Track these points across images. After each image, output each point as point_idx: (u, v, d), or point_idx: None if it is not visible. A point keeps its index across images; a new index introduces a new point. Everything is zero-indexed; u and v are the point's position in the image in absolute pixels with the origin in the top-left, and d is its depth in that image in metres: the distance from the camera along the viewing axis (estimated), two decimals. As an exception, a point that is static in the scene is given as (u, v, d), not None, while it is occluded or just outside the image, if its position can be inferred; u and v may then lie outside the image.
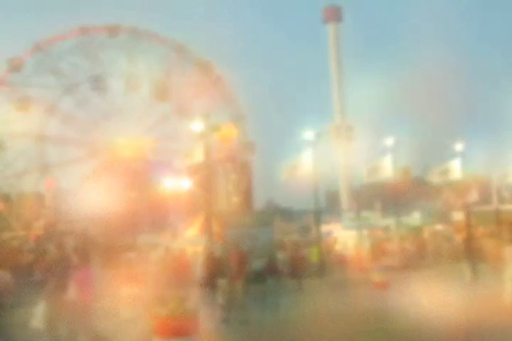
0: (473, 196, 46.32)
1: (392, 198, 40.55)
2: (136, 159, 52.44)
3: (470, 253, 27.73)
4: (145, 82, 51.45)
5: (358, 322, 13.87)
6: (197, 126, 33.34)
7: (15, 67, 48.01)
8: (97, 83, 50.76)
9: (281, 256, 29.81)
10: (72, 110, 51.18)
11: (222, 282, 15.81)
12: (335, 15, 76.70)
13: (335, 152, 73.32)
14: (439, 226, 38.11)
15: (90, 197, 44.73)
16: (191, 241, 31.21)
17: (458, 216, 36.50)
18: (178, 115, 51.51)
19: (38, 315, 11.22)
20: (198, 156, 30.87)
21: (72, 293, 10.90)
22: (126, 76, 50.76)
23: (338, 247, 37.72)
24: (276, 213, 47.50)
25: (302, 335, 12.81)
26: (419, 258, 32.24)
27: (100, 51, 50.40)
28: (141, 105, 52.38)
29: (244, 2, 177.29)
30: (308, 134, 32.66)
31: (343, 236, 40.25)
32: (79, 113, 51.32)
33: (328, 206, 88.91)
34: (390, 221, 40.17)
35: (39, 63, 48.82)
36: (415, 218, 40.10)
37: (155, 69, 51.11)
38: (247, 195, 55.31)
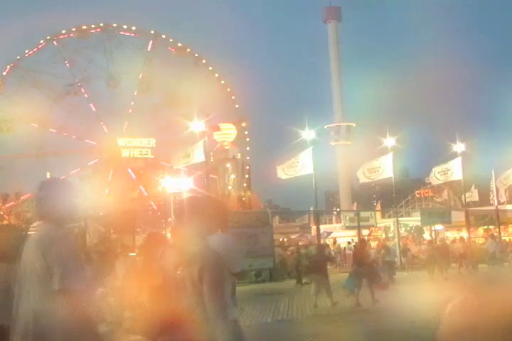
0: (473, 196, 46.36)
1: (391, 198, 40.52)
2: (136, 159, 52.43)
3: (471, 254, 27.73)
4: (126, 77, 51.51)
5: (356, 321, 13.84)
6: (197, 126, 33.39)
7: None
8: (75, 87, 51.00)
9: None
10: (65, 118, 51.30)
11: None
12: (335, 14, 76.82)
13: (334, 152, 73.42)
14: (438, 227, 38.09)
15: (90, 197, 44.70)
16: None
17: (458, 216, 36.48)
18: (170, 107, 51.37)
19: None
20: (198, 156, 30.89)
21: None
22: (107, 74, 50.84)
23: (337, 247, 37.70)
24: (276, 213, 47.43)
25: (302, 335, 12.79)
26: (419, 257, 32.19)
27: (77, 55, 50.55)
28: (134, 103, 52.51)
29: (245, 2, 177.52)
30: (308, 134, 32.66)
31: (343, 236, 40.25)
32: (72, 119, 51.42)
33: (327, 206, 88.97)
34: (389, 221, 40.14)
35: (20, 79, 48.93)
36: (415, 218, 40.04)
37: (134, 62, 51.09)
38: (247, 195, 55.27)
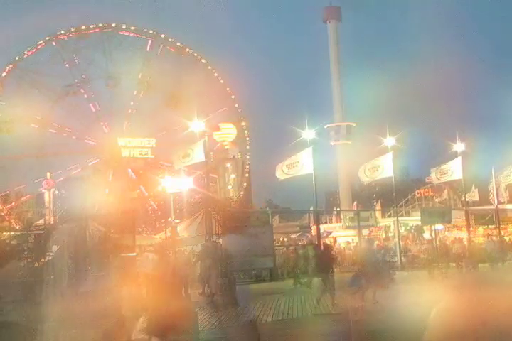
0: (474, 196, 46.34)
1: (392, 198, 40.49)
2: (136, 159, 52.41)
3: (471, 253, 27.69)
4: (126, 77, 51.48)
5: (356, 321, 13.81)
6: (197, 126, 33.31)
7: None
8: (75, 88, 50.98)
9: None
10: (65, 118, 51.26)
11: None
12: (335, 14, 76.73)
13: (334, 151, 73.39)
14: (439, 226, 38.05)
15: (90, 196, 44.65)
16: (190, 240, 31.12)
17: (458, 215, 36.46)
18: (170, 107, 51.30)
19: None
20: (198, 156, 30.82)
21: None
22: (107, 74, 50.77)
23: (337, 247, 37.69)
24: (276, 213, 47.39)
25: (302, 335, 12.78)
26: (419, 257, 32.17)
27: (76, 55, 50.51)
28: (134, 103, 52.49)
29: (245, 1, 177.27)
30: (308, 133, 32.61)
31: (343, 236, 40.24)
32: (72, 119, 51.38)
33: (327, 206, 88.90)
34: (389, 220, 40.11)
35: (19, 79, 48.85)
36: (415, 217, 40.01)
37: (134, 62, 51.07)
38: (247, 195, 55.26)
